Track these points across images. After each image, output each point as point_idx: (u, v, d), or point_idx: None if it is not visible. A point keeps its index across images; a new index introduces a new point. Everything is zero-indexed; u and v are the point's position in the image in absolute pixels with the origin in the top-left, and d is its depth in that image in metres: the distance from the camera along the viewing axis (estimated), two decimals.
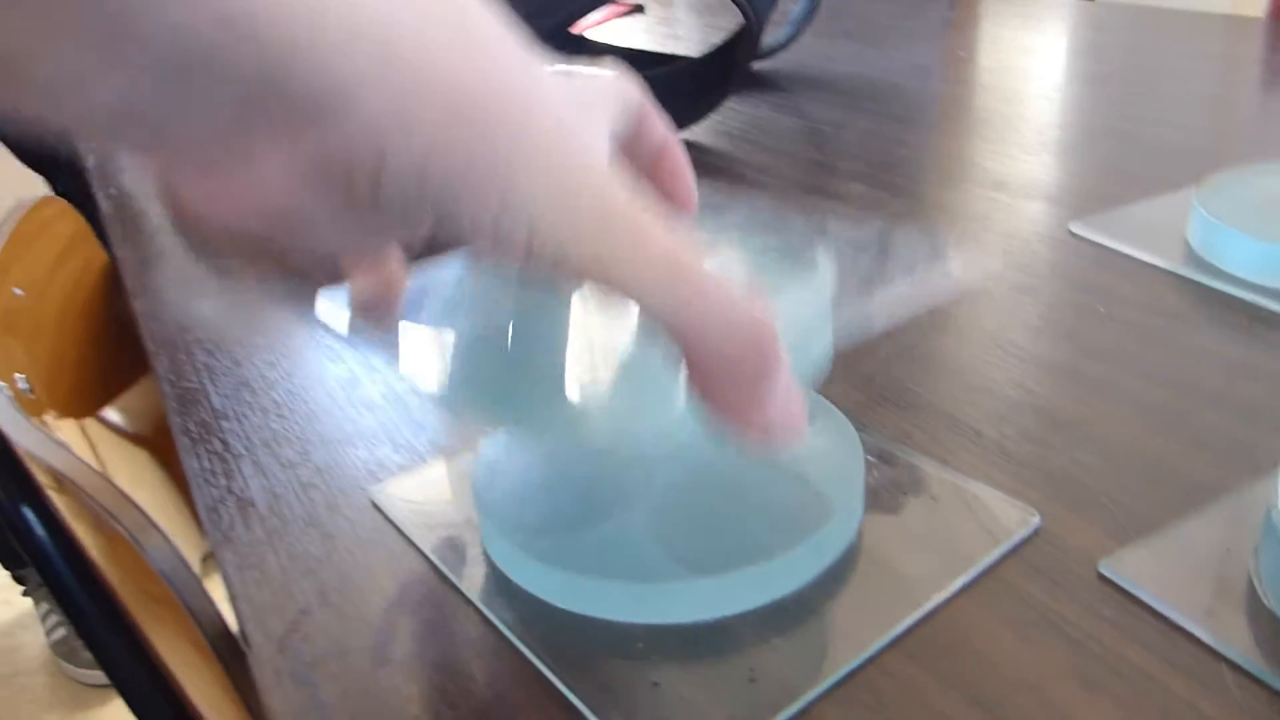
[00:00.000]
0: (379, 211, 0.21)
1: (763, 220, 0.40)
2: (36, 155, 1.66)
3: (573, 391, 0.31)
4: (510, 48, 0.22)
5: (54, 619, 1.69)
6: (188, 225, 0.23)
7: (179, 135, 0.20)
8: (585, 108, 0.26)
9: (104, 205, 0.78)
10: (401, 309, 0.32)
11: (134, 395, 0.68)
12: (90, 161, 0.89)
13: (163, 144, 0.21)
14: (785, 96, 0.96)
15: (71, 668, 1.64)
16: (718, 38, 0.88)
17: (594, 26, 1.27)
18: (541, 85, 0.22)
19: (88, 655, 1.62)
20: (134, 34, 0.18)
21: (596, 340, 0.33)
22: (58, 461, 0.35)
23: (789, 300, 0.33)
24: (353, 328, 0.32)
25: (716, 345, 0.23)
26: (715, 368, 0.24)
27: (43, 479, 0.43)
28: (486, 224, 0.21)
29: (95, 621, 0.48)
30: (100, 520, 0.36)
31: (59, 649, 1.67)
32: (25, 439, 0.37)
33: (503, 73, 0.21)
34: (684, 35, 1.29)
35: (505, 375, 0.32)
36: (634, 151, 0.29)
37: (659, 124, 0.30)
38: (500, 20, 0.22)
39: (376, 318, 0.32)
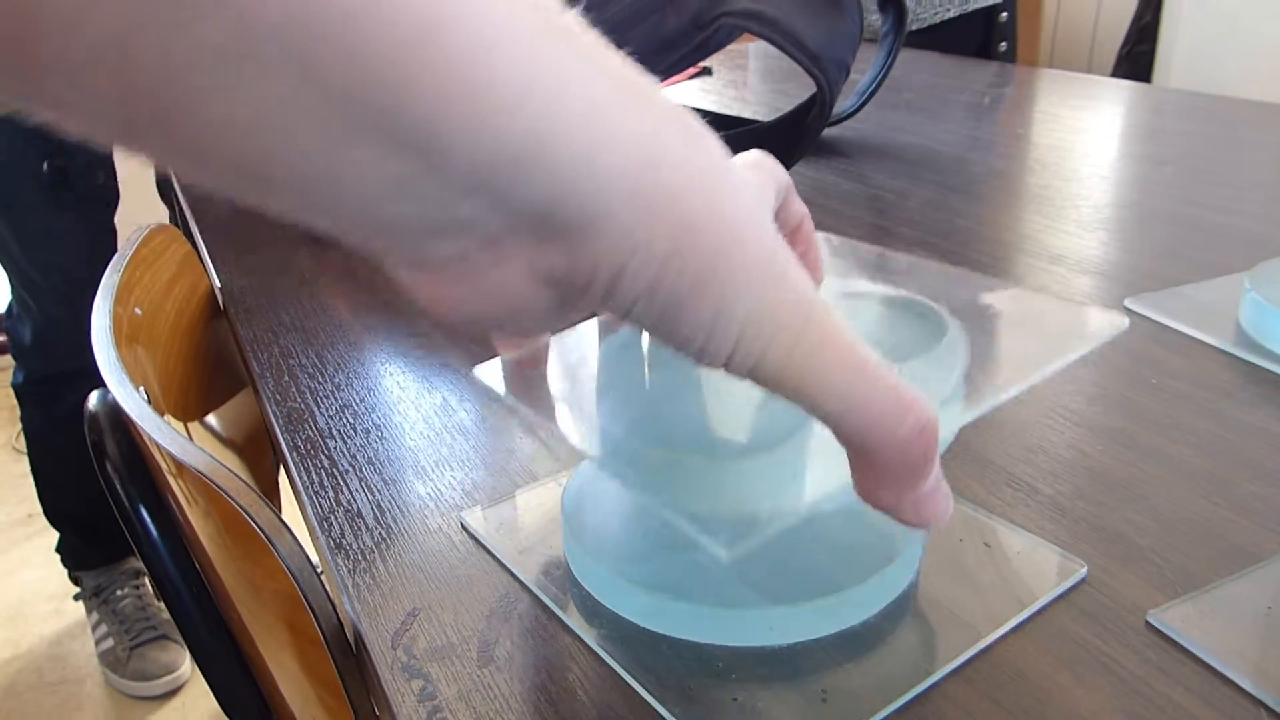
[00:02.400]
0: (601, 311, 0.25)
1: (893, 278, 0.43)
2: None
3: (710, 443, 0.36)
4: (732, 178, 0.25)
5: (103, 629, 1.74)
6: (426, 307, 0.26)
7: (441, 247, 0.23)
8: (765, 203, 0.30)
9: (203, 236, 0.83)
10: (545, 366, 0.37)
11: (228, 408, 0.73)
12: (184, 201, 0.95)
13: (425, 253, 0.24)
14: (849, 163, 1.00)
15: (117, 678, 1.68)
16: (784, 103, 0.92)
17: (663, 87, 1.32)
18: (754, 211, 0.25)
19: (134, 667, 1.66)
20: (442, 155, 0.21)
21: (724, 391, 0.37)
22: (200, 463, 0.39)
23: (924, 372, 0.36)
24: (509, 387, 0.38)
25: (886, 443, 0.26)
26: (882, 462, 0.26)
27: (163, 464, 0.47)
28: (699, 336, 0.24)
29: (197, 622, 0.51)
30: (227, 514, 0.40)
31: (106, 659, 1.71)
32: (169, 441, 0.41)
33: (728, 202, 0.24)
34: (751, 100, 1.33)
35: (651, 427, 0.36)
36: (777, 222, 0.33)
37: (798, 199, 0.33)
38: (723, 151, 0.25)
39: (528, 372, 0.37)
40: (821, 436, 0.27)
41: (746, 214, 0.25)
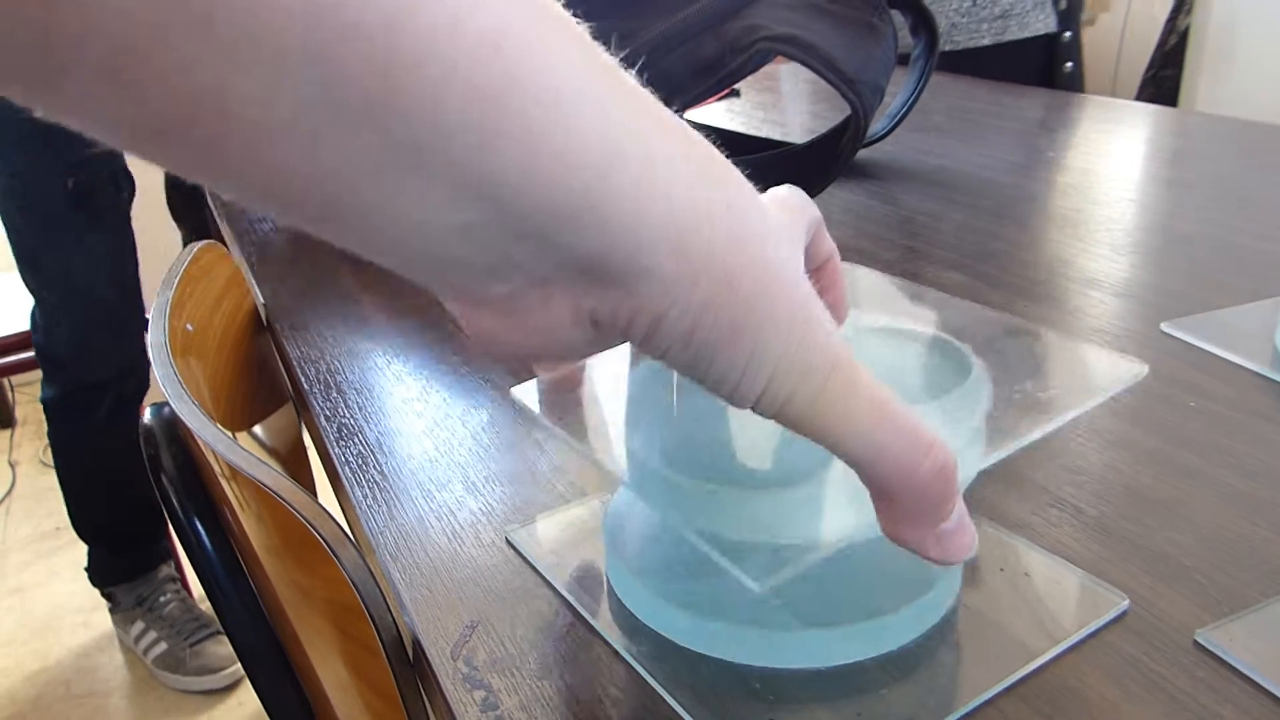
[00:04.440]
0: (637, 349, 0.26)
1: (919, 312, 0.44)
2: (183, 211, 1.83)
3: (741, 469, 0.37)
4: (767, 228, 0.26)
5: (153, 635, 1.77)
6: (475, 338, 0.27)
7: (495, 286, 0.25)
8: (797, 247, 0.30)
9: (248, 256, 0.84)
10: (580, 388, 0.39)
11: (268, 421, 0.74)
12: (222, 220, 0.96)
13: (478, 290, 0.25)
14: (881, 185, 1.01)
15: (178, 678, 1.75)
16: (814, 125, 0.93)
17: (693, 108, 1.33)
18: (788, 260, 0.26)
19: (196, 664, 1.70)
20: (505, 205, 0.22)
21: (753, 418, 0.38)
22: (264, 476, 0.40)
23: (947, 412, 0.37)
24: (543, 408, 0.40)
25: (906, 484, 0.27)
26: (903, 502, 0.28)
27: (218, 468, 0.49)
28: (731, 379, 0.26)
29: (248, 630, 0.52)
30: (283, 524, 0.41)
31: (163, 662, 1.76)
32: (232, 454, 0.42)
33: (765, 252, 0.25)
34: (781, 121, 1.35)
35: (682, 453, 0.37)
36: (807, 256, 0.33)
37: (826, 236, 0.34)
38: (761, 203, 0.26)
39: (563, 395, 0.39)
40: (850, 470, 0.28)
41: (781, 264, 0.26)
